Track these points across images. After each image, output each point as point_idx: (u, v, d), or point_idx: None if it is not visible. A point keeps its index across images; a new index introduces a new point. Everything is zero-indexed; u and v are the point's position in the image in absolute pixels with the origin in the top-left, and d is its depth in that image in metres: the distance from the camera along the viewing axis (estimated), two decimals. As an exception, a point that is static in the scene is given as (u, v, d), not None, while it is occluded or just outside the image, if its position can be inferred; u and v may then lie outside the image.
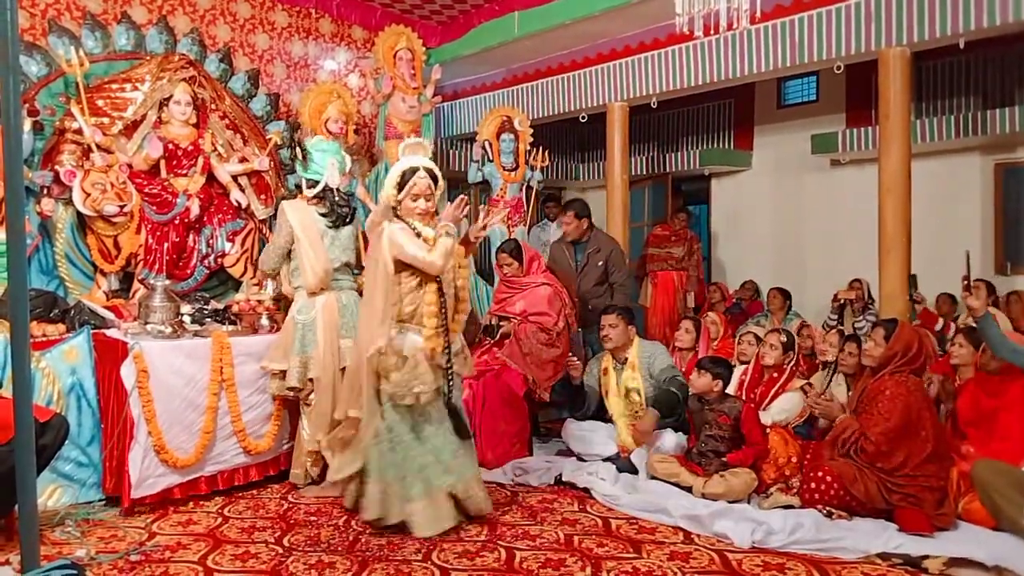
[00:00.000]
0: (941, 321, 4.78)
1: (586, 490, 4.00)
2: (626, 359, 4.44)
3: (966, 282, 3.72)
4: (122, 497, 3.66)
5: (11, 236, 2.00)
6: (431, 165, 3.43)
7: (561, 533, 3.43)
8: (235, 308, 4.40)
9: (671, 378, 4.28)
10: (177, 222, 4.67)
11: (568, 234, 5.47)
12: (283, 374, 4.05)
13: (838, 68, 5.14)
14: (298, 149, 4.20)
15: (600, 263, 5.35)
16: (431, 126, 6.13)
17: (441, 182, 3.49)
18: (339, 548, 3.28)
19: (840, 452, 3.61)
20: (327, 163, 4.12)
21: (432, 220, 3.47)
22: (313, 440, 4.00)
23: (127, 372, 3.68)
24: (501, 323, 4.90)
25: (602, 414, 4.60)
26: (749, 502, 3.73)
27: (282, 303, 4.47)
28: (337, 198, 4.15)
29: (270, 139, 5.24)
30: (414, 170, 3.35)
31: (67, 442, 3.36)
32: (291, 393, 4.08)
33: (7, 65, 1.94)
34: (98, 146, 4.39)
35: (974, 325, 3.81)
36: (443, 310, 3.39)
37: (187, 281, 4.76)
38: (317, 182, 4.13)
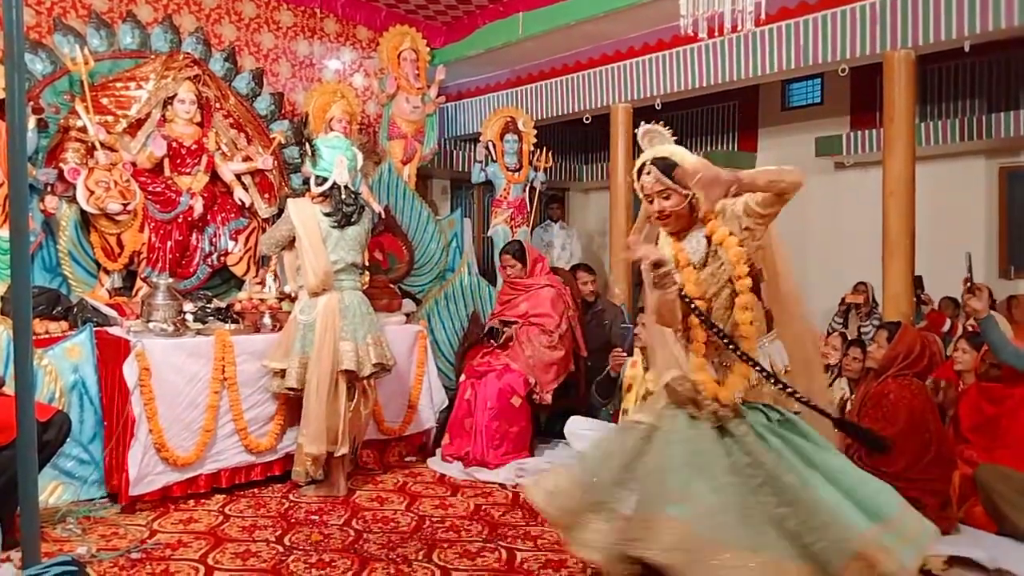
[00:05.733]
0: (948, 322, 4.76)
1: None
2: None
3: (969, 284, 3.71)
4: (120, 494, 3.67)
5: (14, 233, 2.00)
6: (666, 153, 2.38)
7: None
8: (238, 307, 4.40)
9: None
10: (180, 220, 4.67)
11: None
12: (283, 373, 4.04)
13: (843, 71, 5.14)
14: (307, 145, 4.17)
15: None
16: (435, 126, 6.14)
17: (686, 163, 2.28)
18: (339, 547, 3.28)
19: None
20: (335, 160, 4.09)
21: (680, 226, 2.39)
22: (310, 448, 3.89)
23: (129, 370, 3.68)
24: (505, 327, 4.90)
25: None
26: (751, 505, 3.71)
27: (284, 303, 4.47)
28: (344, 196, 4.09)
29: (274, 138, 5.25)
30: (642, 166, 2.42)
31: (69, 439, 3.36)
32: (291, 392, 4.07)
33: (12, 63, 1.94)
34: (102, 144, 4.39)
35: (976, 329, 3.80)
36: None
37: (190, 279, 4.77)
38: (326, 179, 4.10)
